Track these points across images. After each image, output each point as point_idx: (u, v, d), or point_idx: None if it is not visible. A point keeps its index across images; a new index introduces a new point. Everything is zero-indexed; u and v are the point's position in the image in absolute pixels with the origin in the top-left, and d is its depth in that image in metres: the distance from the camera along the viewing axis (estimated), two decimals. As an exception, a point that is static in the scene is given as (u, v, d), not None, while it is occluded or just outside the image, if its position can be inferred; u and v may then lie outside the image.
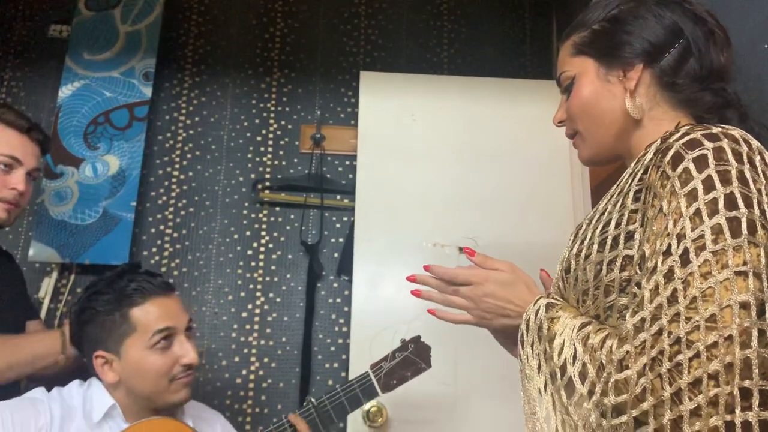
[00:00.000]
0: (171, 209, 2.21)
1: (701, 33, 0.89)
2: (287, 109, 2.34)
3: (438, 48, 2.45)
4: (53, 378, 1.39)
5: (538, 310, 0.86)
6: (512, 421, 1.83)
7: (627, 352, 0.68)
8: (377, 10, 2.47)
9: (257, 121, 2.32)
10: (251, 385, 2.05)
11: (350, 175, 2.25)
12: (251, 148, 2.29)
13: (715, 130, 0.75)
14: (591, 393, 0.71)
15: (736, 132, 0.75)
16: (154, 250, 2.16)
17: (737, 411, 0.63)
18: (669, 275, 0.68)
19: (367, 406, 1.87)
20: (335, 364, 2.09)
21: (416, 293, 1.04)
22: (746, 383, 0.63)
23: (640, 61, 0.90)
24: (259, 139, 2.30)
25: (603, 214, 0.86)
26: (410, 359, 1.40)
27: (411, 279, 1.05)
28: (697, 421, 0.63)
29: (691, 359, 0.64)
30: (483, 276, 0.97)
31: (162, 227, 2.19)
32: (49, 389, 1.28)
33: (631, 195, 0.81)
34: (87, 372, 1.36)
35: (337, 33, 2.44)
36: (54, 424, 1.19)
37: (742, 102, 0.90)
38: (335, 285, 2.17)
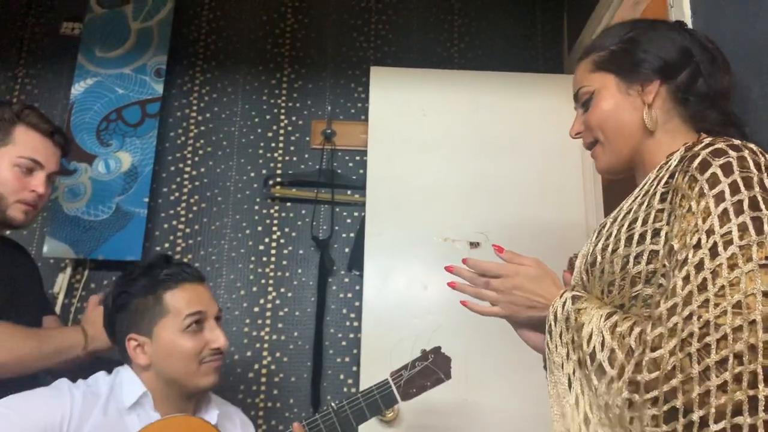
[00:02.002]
0: (183, 205, 2.22)
1: (707, 58, 1.00)
2: (298, 104, 2.35)
3: (448, 42, 2.45)
4: (69, 372, 1.41)
5: (565, 302, 0.93)
6: (522, 415, 1.84)
7: (660, 333, 0.75)
8: (387, 5, 2.47)
9: (268, 117, 2.33)
10: (263, 380, 2.07)
11: (361, 171, 2.26)
12: (262, 144, 2.30)
13: (736, 141, 0.83)
14: (621, 374, 0.78)
15: (753, 145, 0.83)
16: (166, 245, 2.18)
17: (760, 387, 0.69)
18: (699, 266, 0.75)
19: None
20: (346, 359, 2.10)
21: (452, 285, 1.09)
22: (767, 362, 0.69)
23: (657, 77, 0.99)
24: (270, 134, 2.31)
25: (628, 213, 0.93)
26: (430, 369, 1.41)
27: (449, 269, 1.12)
28: (723, 396, 0.70)
29: (718, 341, 0.70)
30: (513, 270, 1.03)
31: (174, 223, 2.20)
32: (74, 380, 1.30)
33: (657, 196, 0.88)
34: (104, 365, 1.38)
35: (347, 28, 2.44)
36: (74, 411, 1.22)
37: (743, 121, 1.01)
38: (346, 280, 2.18)
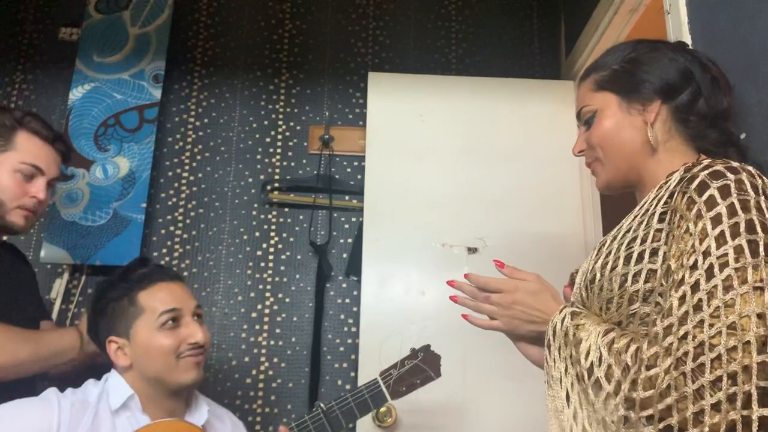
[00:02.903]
0: (181, 210, 2.22)
1: (708, 78, 1.01)
2: (296, 110, 2.35)
3: (446, 48, 2.45)
4: (65, 377, 1.40)
5: (564, 318, 0.94)
6: (519, 423, 1.84)
7: (655, 352, 0.76)
8: (385, 11, 2.48)
9: (266, 122, 2.33)
10: (261, 385, 2.06)
11: (359, 176, 2.26)
12: (260, 150, 2.30)
13: (735, 164, 0.85)
14: (617, 391, 0.79)
15: (751, 168, 0.85)
16: (164, 251, 2.17)
17: (754, 407, 0.69)
18: (695, 287, 0.76)
19: (376, 406, 1.87)
20: (344, 364, 2.09)
21: (454, 299, 1.11)
22: (761, 383, 0.70)
23: (658, 97, 1.01)
24: (267, 140, 2.31)
25: (628, 231, 0.94)
26: (419, 367, 1.42)
27: (450, 284, 1.12)
28: (716, 415, 0.71)
29: (713, 360, 0.71)
30: (513, 285, 1.04)
31: (172, 228, 2.20)
32: (62, 390, 1.30)
33: (656, 216, 0.90)
34: (98, 371, 1.38)
35: (345, 34, 2.45)
36: (63, 421, 1.22)
37: (743, 141, 1.03)
38: (344, 285, 2.18)
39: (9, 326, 1.37)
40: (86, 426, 1.23)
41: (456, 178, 2.11)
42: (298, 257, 2.20)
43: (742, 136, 1.06)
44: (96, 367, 1.45)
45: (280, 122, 2.33)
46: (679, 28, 1.31)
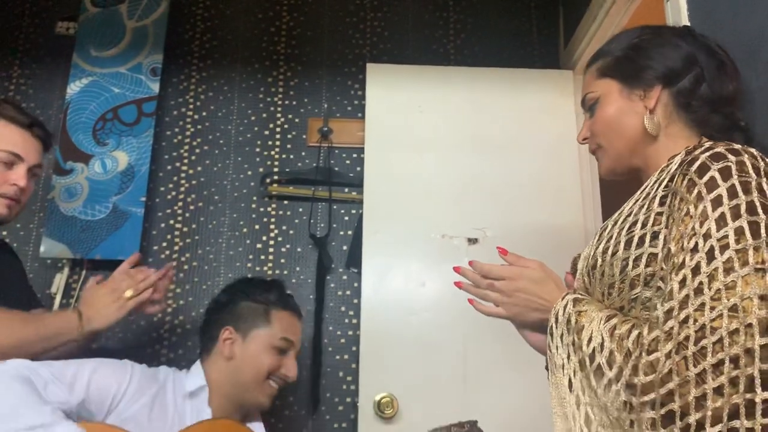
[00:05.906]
0: (180, 204, 2.22)
1: (713, 64, 1.00)
2: (294, 102, 2.34)
3: (444, 39, 2.44)
4: (65, 357, 1.41)
5: (566, 305, 0.95)
6: (520, 412, 1.84)
7: (656, 336, 0.76)
8: (383, 1, 2.47)
9: (264, 115, 2.32)
10: (262, 378, 2.06)
11: (358, 168, 2.26)
12: (259, 142, 2.29)
13: (737, 146, 0.84)
14: (619, 376, 0.79)
15: (754, 150, 0.85)
16: (164, 244, 2.17)
17: (758, 390, 0.69)
18: (696, 270, 0.76)
19: (377, 397, 1.88)
20: (345, 356, 2.09)
21: (459, 284, 1.12)
22: (764, 366, 0.69)
23: (659, 83, 1.01)
24: (266, 132, 2.31)
25: (629, 215, 0.94)
26: None
27: (456, 270, 1.13)
28: (719, 399, 0.70)
29: (714, 344, 0.71)
30: (517, 273, 1.05)
31: (171, 222, 2.20)
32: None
33: (657, 199, 0.90)
34: (103, 354, 1.46)
35: (343, 25, 2.44)
36: (133, 382, 1.39)
37: (749, 126, 1.02)
38: (344, 277, 2.18)
39: (7, 309, 1.37)
40: (151, 395, 1.41)
41: (455, 168, 2.11)
42: (298, 250, 2.20)
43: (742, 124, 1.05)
44: (91, 351, 1.47)
45: (279, 115, 2.33)
46: (678, 15, 1.30)
